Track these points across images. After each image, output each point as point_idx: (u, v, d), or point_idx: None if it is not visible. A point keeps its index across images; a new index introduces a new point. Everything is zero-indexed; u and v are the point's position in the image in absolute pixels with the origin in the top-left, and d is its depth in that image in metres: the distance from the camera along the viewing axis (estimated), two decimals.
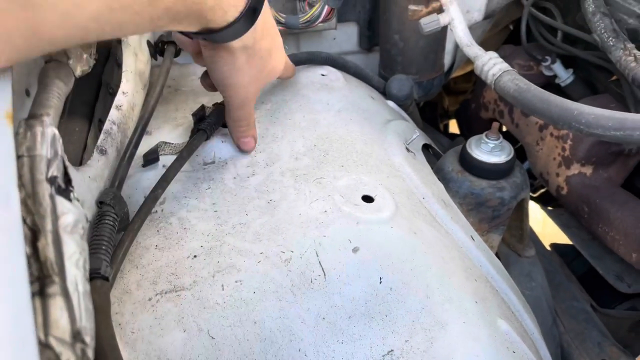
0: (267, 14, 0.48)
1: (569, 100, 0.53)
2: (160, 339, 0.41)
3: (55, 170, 0.27)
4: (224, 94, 0.52)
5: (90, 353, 0.21)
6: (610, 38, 0.73)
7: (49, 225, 0.24)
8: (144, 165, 0.55)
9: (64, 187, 0.27)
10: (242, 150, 0.55)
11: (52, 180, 0.26)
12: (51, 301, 0.21)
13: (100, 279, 0.36)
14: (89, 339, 0.21)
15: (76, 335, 0.21)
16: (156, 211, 0.50)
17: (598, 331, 0.77)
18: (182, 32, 0.47)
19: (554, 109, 0.53)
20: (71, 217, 0.25)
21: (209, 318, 0.42)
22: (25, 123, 0.28)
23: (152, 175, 0.53)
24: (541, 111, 0.54)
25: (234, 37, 0.45)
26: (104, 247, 0.40)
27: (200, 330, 0.41)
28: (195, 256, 0.45)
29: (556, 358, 0.73)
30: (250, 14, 0.44)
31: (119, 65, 0.64)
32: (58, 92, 0.32)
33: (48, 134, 0.28)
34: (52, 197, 0.25)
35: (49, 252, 0.23)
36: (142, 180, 0.53)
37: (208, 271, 0.44)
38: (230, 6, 0.42)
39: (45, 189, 0.25)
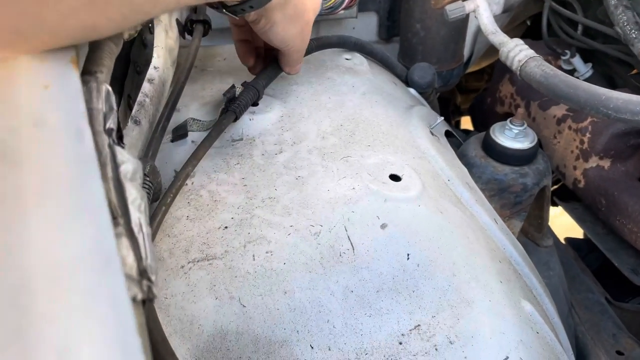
0: None
1: (596, 86, 0.54)
2: (192, 305, 0.41)
3: (111, 123, 0.27)
4: (286, 50, 0.56)
5: (155, 290, 0.21)
6: (633, 31, 0.73)
7: (110, 173, 0.24)
8: (172, 141, 0.55)
9: (117, 142, 0.28)
10: (291, 74, 0.61)
11: (109, 132, 0.27)
12: (117, 241, 0.22)
13: None
14: (154, 277, 0.21)
15: (142, 273, 0.21)
16: (186, 184, 0.50)
17: (613, 323, 0.77)
18: (226, 10, 0.48)
19: (582, 93, 0.53)
20: (130, 165, 0.25)
21: (240, 286, 0.42)
22: (80, 78, 0.29)
23: (181, 151, 0.54)
24: (568, 96, 0.54)
25: None
26: None
27: (231, 298, 0.42)
28: (226, 227, 0.46)
29: (571, 348, 0.73)
30: None
31: (145, 45, 0.64)
32: (109, 52, 0.32)
33: (103, 89, 0.29)
34: (110, 147, 0.26)
35: (112, 197, 0.23)
36: (172, 155, 0.54)
37: (239, 242, 0.45)
38: None
39: (104, 139, 0.26)
